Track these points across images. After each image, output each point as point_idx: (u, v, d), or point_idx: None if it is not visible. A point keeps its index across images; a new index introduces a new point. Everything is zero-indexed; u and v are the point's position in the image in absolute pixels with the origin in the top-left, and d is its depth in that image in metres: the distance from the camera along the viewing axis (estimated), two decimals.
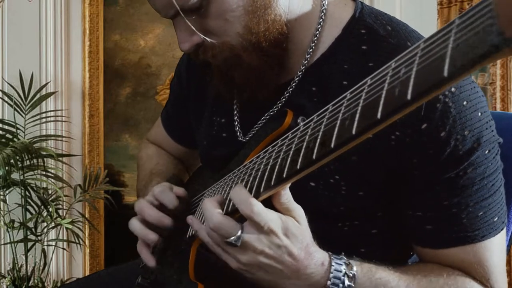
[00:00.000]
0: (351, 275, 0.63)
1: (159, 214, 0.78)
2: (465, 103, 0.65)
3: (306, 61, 0.76)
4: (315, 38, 0.76)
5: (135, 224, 0.81)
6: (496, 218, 0.70)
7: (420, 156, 0.67)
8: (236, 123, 0.85)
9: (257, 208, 0.58)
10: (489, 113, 0.68)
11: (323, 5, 0.77)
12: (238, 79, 0.77)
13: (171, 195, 0.80)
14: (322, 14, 0.77)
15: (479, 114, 0.66)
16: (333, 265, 0.63)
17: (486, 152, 0.67)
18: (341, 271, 0.63)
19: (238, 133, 0.84)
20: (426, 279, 0.69)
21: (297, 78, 0.77)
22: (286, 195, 0.61)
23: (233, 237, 0.60)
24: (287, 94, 0.78)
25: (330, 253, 0.64)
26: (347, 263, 0.64)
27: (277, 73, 0.77)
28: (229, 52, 0.73)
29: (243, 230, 0.60)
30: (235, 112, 0.85)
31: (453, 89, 0.65)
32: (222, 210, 0.64)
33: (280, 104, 0.79)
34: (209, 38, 0.73)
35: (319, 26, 0.76)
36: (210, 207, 0.63)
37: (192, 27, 0.72)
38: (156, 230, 0.80)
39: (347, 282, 0.63)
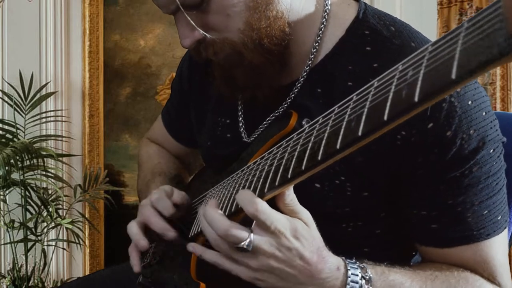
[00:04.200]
0: (367, 277, 0.63)
1: (165, 226, 0.78)
2: (470, 102, 0.66)
3: (310, 62, 0.76)
4: (319, 39, 0.76)
5: (132, 227, 0.81)
6: (500, 217, 0.70)
7: (425, 156, 0.67)
8: (241, 124, 0.85)
9: (262, 207, 0.58)
10: (493, 113, 0.69)
11: (326, 5, 0.77)
12: (240, 78, 0.76)
13: (168, 202, 0.79)
14: (325, 14, 0.77)
15: (484, 113, 0.66)
16: (349, 269, 0.62)
17: (491, 151, 0.67)
18: (357, 275, 0.62)
19: (243, 134, 0.84)
20: (438, 279, 0.69)
21: (302, 79, 0.77)
22: (290, 196, 0.60)
23: (243, 242, 0.58)
24: (292, 95, 0.78)
25: (343, 257, 0.64)
26: (362, 267, 0.64)
27: (279, 72, 0.77)
28: (230, 49, 0.73)
29: (252, 234, 0.59)
30: (240, 113, 0.85)
31: (458, 89, 0.65)
32: (224, 212, 0.64)
33: (285, 105, 0.78)
34: (210, 34, 0.73)
35: (322, 26, 0.76)
36: (214, 214, 0.61)
37: (193, 22, 0.71)
38: (157, 236, 0.80)
39: (365, 286, 0.62)
